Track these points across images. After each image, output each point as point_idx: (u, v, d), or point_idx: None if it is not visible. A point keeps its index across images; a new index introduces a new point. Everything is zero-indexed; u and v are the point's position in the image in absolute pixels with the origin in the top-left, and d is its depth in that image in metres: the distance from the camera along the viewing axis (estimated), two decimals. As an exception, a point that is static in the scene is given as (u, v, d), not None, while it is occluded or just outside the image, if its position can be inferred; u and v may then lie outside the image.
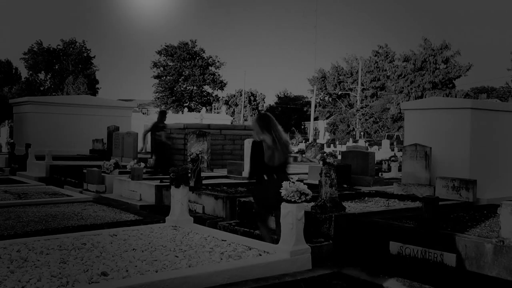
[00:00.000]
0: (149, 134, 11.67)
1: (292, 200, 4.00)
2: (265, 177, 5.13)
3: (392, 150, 26.80)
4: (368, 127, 50.79)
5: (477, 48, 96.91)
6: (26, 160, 13.52)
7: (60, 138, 16.71)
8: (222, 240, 4.59)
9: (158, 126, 11.28)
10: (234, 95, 63.34)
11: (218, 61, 60.88)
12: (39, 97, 23.23)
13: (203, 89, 60.35)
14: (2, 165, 14.77)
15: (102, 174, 9.84)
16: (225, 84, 61.24)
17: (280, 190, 4.13)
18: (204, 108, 47.62)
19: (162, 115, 11.62)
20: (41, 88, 54.19)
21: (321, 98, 59.61)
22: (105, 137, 16.25)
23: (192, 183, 7.38)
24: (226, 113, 46.78)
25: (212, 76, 59.99)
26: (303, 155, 21.63)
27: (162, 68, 59.89)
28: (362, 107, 51.24)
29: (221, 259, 3.95)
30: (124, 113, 18.38)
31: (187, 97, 59.42)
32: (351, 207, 6.66)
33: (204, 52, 60.37)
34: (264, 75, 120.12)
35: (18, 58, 57.71)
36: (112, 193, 9.41)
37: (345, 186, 9.06)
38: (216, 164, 13.35)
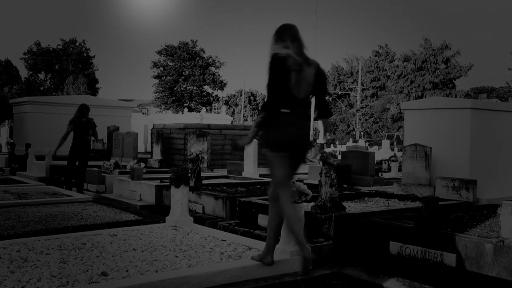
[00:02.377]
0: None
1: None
2: (284, 110, 3.59)
3: (392, 150, 26.82)
4: (368, 127, 50.79)
5: (477, 48, 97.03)
6: (26, 160, 13.52)
7: (60, 138, 16.69)
8: (222, 240, 4.59)
9: (82, 123, 9.25)
10: (234, 95, 63.36)
11: (218, 61, 60.91)
12: (39, 97, 23.22)
13: (203, 89, 60.35)
14: (2, 165, 14.77)
15: (102, 174, 9.84)
16: (225, 84, 61.25)
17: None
18: (204, 108, 47.64)
19: (85, 110, 9.35)
20: (41, 88, 54.19)
21: (321, 98, 59.51)
22: (105, 137, 16.25)
23: (192, 183, 7.38)
24: (226, 113, 46.79)
25: (212, 76, 60.00)
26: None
27: (162, 68, 59.91)
28: (362, 107, 51.25)
29: (221, 259, 3.95)
30: (124, 113, 18.39)
31: (187, 97, 59.43)
32: (351, 207, 6.65)
33: (204, 52, 60.41)
34: (264, 75, 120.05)
35: (18, 58, 57.83)
36: (112, 193, 9.41)
37: (345, 186, 9.06)
38: (216, 164, 13.37)
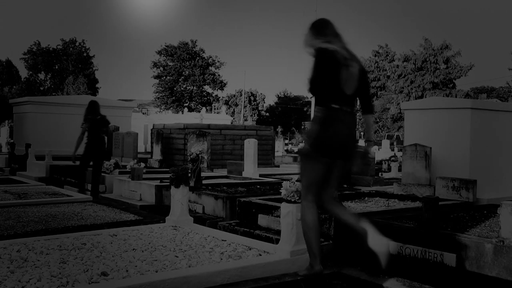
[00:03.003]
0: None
1: (292, 200, 4.00)
2: (335, 106, 3.51)
3: (392, 150, 26.83)
4: (368, 127, 50.67)
5: (477, 48, 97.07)
6: (26, 160, 13.53)
7: (60, 138, 16.69)
8: (222, 240, 4.59)
9: (97, 120, 8.83)
10: (234, 95, 63.36)
11: (218, 61, 60.93)
12: (39, 97, 23.23)
13: (203, 89, 60.36)
14: (2, 165, 14.78)
15: (102, 174, 9.83)
16: (225, 84, 61.27)
17: (281, 190, 4.10)
18: (204, 108, 47.64)
19: (97, 106, 8.96)
20: (41, 88, 54.22)
21: (321, 98, 59.56)
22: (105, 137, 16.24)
23: (192, 183, 7.38)
24: (226, 113, 46.82)
25: (212, 76, 60.01)
26: (303, 155, 21.58)
27: (162, 68, 59.92)
28: (362, 107, 51.17)
29: (221, 259, 3.95)
30: (124, 113, 18.39)
31: (187, 97, 59.44)
32: (351, 207, 6.65)
33: (204, 52, 60.42)
34: (264, 75, 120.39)
35: (18, 58, 57.89)
36: (112, 193, 9.41)
37: (345, 186, 9.06)
38: (216, 164, 13.36)
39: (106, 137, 8.91)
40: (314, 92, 3.55)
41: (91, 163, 8.95)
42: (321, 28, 3.64)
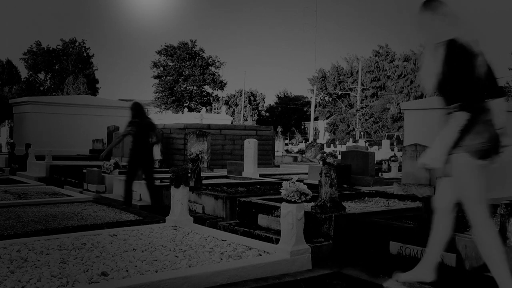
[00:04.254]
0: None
1: (292, 200, 4.00)
2: (484, 106, 3.26)
3: (392, 150, 26.84)
4: (368, 127, 50.81)
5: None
6: (26, 160, 13.53)
7: (60, 138, 16.73)
8: (222, 240, 4.59)
9: (144, 124, 7.80)
10: (234, 95, 63.38)
11: (218, 61, 60.97)
12: (39, 97, 23.27)
13: (203, 89, 60.40)
14: (2, 165, 14.79)
15: (102, 174, 9.83)
16: (225, 84, 61.30)
17: (280, 190, 4.10)
18: (204, 108, 47.67)
19: (143, 108, 8.04)
20: (41, 88, 54.25)
21: (321, 98, 59.65)
22: (105, 137, 16.26)
23: (192, 183, 7.38)
24: (226, 113, 46.86)
25: (212, 76, 60.04)
26: (303, 155, 21.67)
27: (162, 68, 59.95)
28: (362, 107, 51.29)
29: (221, 259, 3.95)
30: (124, 113, 18.29)
31: (187, 97, 59.46)
32: (351, 207, 6.65)
33: (204, 52, 60.46)
34: (264, 75, 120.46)
35: (18, 58, 57.94)
36: (112, 193, 9.41)
37: (345, 186, 9.06)
38: (216, 164, 13.37)
39: (157, 143, 8.04)
40: (467, 92, 3.15)
41: (138, 172, 8.05)
42: (441, 9, 3.22)
